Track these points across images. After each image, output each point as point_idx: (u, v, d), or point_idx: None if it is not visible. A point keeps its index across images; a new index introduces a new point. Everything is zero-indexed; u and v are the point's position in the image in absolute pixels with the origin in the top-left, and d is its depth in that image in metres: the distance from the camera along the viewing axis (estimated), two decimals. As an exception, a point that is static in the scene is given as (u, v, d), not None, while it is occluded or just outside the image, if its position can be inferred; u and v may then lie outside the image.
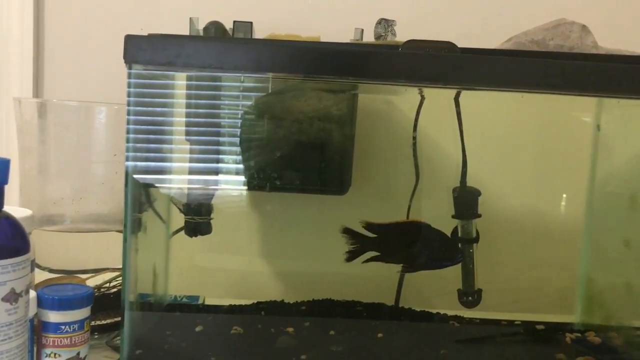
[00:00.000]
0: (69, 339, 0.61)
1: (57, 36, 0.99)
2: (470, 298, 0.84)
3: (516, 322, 0.84)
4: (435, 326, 0.83)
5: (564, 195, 0.92)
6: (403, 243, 0.78)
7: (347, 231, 0.78)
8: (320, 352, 0.71)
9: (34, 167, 0.76)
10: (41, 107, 0.76)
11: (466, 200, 0.83)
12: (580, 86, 0.64)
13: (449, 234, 0.81)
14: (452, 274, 0.84)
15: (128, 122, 0.63)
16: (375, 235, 0.77)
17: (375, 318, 0.83)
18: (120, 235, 0.66)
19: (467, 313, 0.84)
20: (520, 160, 0.92)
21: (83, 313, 0.62)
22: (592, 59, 0.67)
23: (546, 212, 0.92)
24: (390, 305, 0.86)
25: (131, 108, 0.63)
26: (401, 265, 0.80)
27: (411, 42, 0.68)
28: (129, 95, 0.63)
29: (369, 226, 0.77)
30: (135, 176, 0.65)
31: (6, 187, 0.50)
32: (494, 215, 0.89)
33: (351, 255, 0.78)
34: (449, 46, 0.68)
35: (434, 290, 0.88)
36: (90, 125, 0.74)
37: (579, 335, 0.80)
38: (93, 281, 0.78)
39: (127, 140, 0.63)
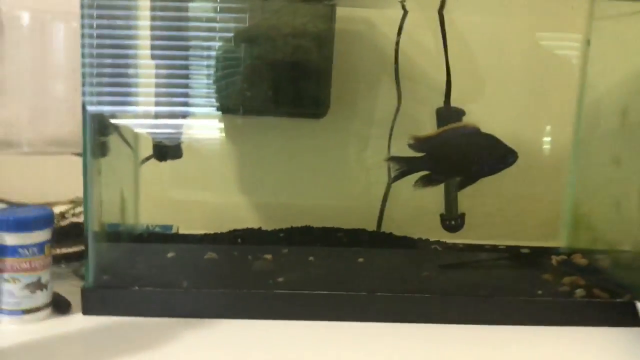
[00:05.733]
0: (28, 263, 0.57)
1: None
2: (453, 222, 0.81)
3: (500, 247, 0.82)
4: (418, 251, 0.81)
5: (551, 117, 0.89)
6: (454, 155, 0.72)
7: (393, 159, 0.73)
8: (298, 275, 0.68)
9: (-14, 86, 0.70)
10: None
11: (450, 121, 0.79)
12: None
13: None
14: (434, 199, 0.81)
15: (82, 35, 0.57)
16: (424, 153, 0.71)
17: (355, 244, 0.80)
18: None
19: (450, 238, 0.82)
20: (506, 80, 0.88)
21: (42, 235, 0.58)
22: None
23: (533, 134, 0.89)
24: (371, 231, 0.83)
25: (86, 21, 0.57)
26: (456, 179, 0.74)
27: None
28: (82, 7, 0.57)
29: (415, 142, 0.70)
30: (91, 97, 0.60)
31: None
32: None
33: (397, 177, 0.72)
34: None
35: (415, 216, 0.85)
36: (47, 40, 0.68)
37: (565, 257, 0.78)
38: (57, 208, 0.74)
39: (83, 54, 0.57)
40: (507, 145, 0.71)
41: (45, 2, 0.75)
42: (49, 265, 0.59)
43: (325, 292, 0.62)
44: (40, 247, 0.57)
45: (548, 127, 0.90)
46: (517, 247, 0.82)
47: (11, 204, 0.73)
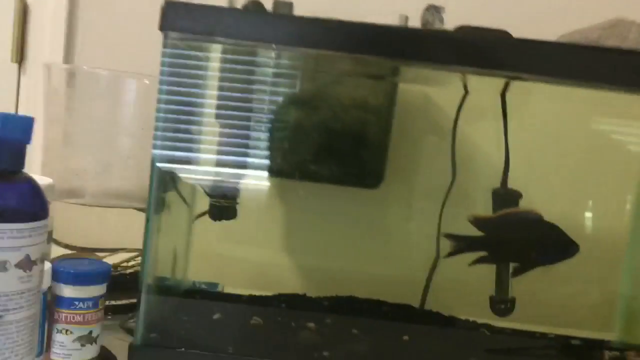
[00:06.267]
0: (82, 316, 0.58)
1: (91, 5, 0.96)
2: (503, 306, 0.80)
3: (550, 335, 0.79)
4: (464, 333, 0.79)
5: (609, 204, 0.87)
6: (513, 240, 0.71)
7: (449, 236, 0.73)
8: (343, 350, 0.67)
9: (58, 136, 0.73)
10: (70, 74, 0.74)
11: (506, 203, 0.78)
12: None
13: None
14: (484, 279, 0.79)
15: (160, 92, 0.59)
16: (482, 234, 0.70)
17: (400, 320, 0.79)
18: (141, 214, 0.63)
19: (498, 322, 0.80)
20: (564, 164, 0.87)
21: (98, 290, 0.59)
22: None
23: (588, 221, 0.87)
24: (417, 308, 0.82)
25: (164, 78, 0.60)
26: (511, 265, 0.73)
27: (463, 28, 0.64)
28: (163, 65, 0.59)
29: (476, 221, 0.70)
30: (161, 152, 0.61)
31: (28, 156, 0.47)
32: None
33: (452, 253, 0.73)
34: (502, 35, 0.64)
35: (463, 296, 0.84)
36: (120, 96, 0.71)
37: (618, 353, 0.75)
38: (110, 259, 0.75)
39: (158, 111, 0.59)
40: (569, 236, 0.69)
41: (120, 63, 0.79)
42: (101, 319, 0.60)
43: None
44: (95, 301, 0.58)
45: (605, 214, 0.89)
46: (567, 338, 0.79)
47: (75, 249, 0.74)
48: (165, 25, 0.58)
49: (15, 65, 1.00)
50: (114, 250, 0.75)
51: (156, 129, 0.60)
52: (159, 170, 0.62)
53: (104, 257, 0.77)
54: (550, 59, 0.60)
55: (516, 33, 0.63)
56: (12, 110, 0.99)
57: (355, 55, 0.61)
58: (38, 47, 0.98)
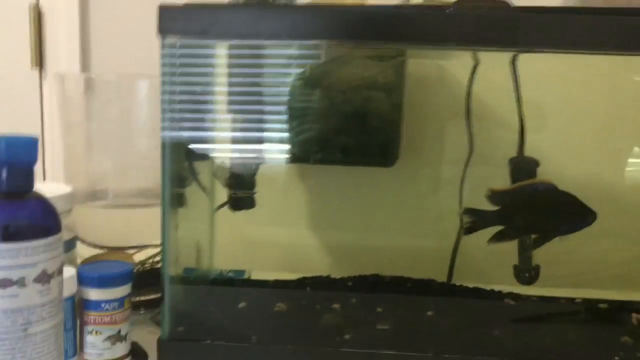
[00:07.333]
0: (109, 317, 0.60)
1: (102, 10, 0.98)
2: (527, 274, 0.80)
3: (577, 300, 0.79)
4: (489, 304, 0.79)
5: (631, 161, 0.85)
6: (530, 212, 0.71)
7: (468, 211, 0.73)
8: (366, 331, 0.68)
9: (77, 142, 0.75)
10: (84, 82, 0.76)
11: (524, 171, 0.78)
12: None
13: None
14: (507, 248, 0.79)
15: (163, 93, 0.61)
16: (499, 207, 0.70)
17: (424, 294, 0.80)
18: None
19: (524, 290, 0.80)
20: (583, 128, 0.85)
21: (123, 291, 0.61)
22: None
23: (611, 180, 0.86)
24: (441, 282, 0.82)
25: (166, 79, 0.61)
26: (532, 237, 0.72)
27: (461, 2, 0.62)
28: (163, 66, 0.61)
29: (493, 195, 0.70)
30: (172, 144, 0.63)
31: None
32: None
33: (470, 229, 0.72)
34: (502, 5, 0.62)
35: (488, 265, 0.84)
36: (132, 99, 0.73)
37: (647, 315, 0.74)
38: (139, 256, 0.78)
39: (163, 112, 0.61)
40: (585, 204, 0.69)
41: (131, 66, 0.81)
42: (128, 317, 0.62)
43: (392, 353, 0.62)
44: (121, 301, 0.61)
45: (628, 173, 0.87)
46: (595, 302, 0.78)
47: (101, 248, 0.77)
48: (161, 28, 0.59)
49: (36, 72, 1.03)
50: (141, 247, 0.77)
51: (163, 129, 0.61)
52: (171, 163, 0.63)
53: (133, 253, 0.80)
54: (555, 29, 0.58)
55: (518, 1, 0.62)
56: (37, 115, 1.02)
57: (353, 42, 0.61)
58: (55, 52, 1.00)
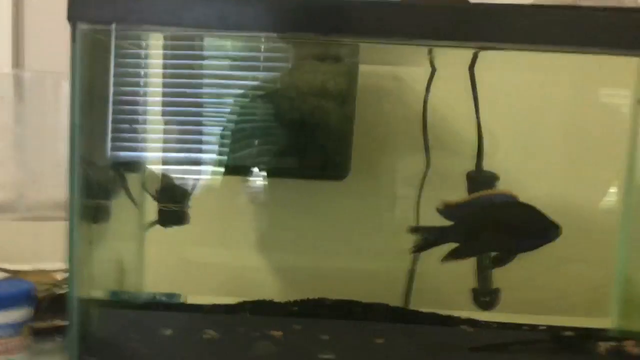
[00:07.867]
0: (2, 345, 0.52)
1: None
2: (486, 298, 0.73)
3: (540, 327, 0.73)
4: (445, 330, 0.73)
5: (597, 182, 0.81)
6: (487, 226, 0.64)
7: (416, 229, 0.67)
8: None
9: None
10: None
11: (481, 186, 0.72)
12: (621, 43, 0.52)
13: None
14: (465, 270, 0.73)
15: (72, 89, 0.53)
16: (453, 222, 0.64)
17: (375, 320, 0.73)
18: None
19: (483, 315, 0.73)
20: (545, 140, 0.80)
21: (20, 315, 0.53)
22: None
23: (575, 201, 0.80)
24: (393, 306, 0.75)
25: (76, 74, 0.53)
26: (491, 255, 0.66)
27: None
28: (73, 58, 0.53)
29: (446, 208, 0.63)
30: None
31: None
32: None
33: (420, 248, 0.66)
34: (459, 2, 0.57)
35: (447, 288, 0.77)
36: (46, 99, 0.65)
37: (615, 344, 0.68)
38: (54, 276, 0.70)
39: (71, 112, 0.53)
40: (548, 218, 0.63)
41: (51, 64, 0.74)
42: (26, 347, 0.54)
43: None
44: (18, 327, 0.52)
45: (594, 192, 0.82)
46: (559, 328, 0.72)
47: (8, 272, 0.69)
48: (71, 14, 0.52)
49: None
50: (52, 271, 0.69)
51: (71, 131, 0.54)
52: (80, 171, 0.55)
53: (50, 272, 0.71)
54: (513, 23, 0.54)
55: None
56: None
57: (290, 35, 0.54)
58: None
